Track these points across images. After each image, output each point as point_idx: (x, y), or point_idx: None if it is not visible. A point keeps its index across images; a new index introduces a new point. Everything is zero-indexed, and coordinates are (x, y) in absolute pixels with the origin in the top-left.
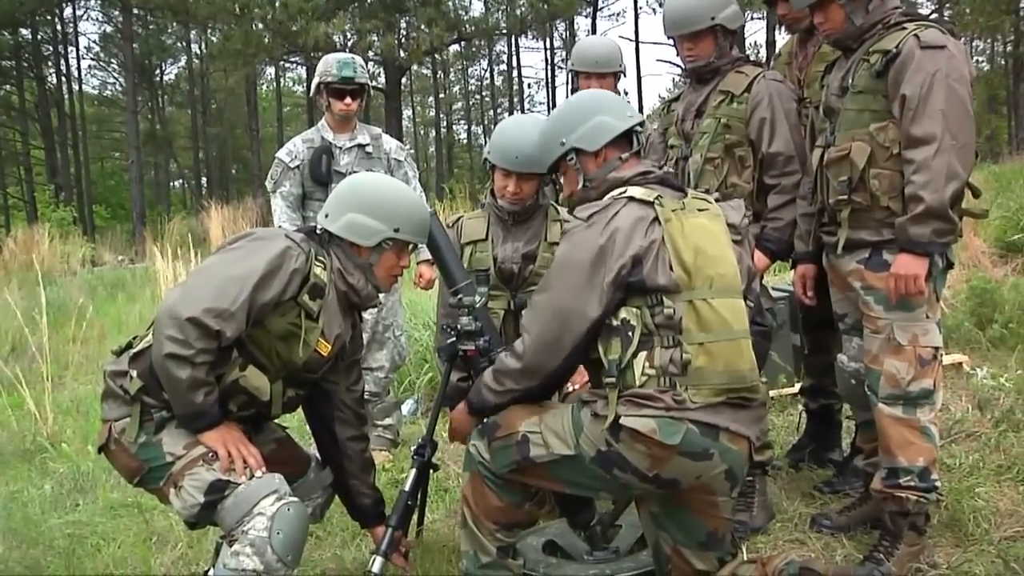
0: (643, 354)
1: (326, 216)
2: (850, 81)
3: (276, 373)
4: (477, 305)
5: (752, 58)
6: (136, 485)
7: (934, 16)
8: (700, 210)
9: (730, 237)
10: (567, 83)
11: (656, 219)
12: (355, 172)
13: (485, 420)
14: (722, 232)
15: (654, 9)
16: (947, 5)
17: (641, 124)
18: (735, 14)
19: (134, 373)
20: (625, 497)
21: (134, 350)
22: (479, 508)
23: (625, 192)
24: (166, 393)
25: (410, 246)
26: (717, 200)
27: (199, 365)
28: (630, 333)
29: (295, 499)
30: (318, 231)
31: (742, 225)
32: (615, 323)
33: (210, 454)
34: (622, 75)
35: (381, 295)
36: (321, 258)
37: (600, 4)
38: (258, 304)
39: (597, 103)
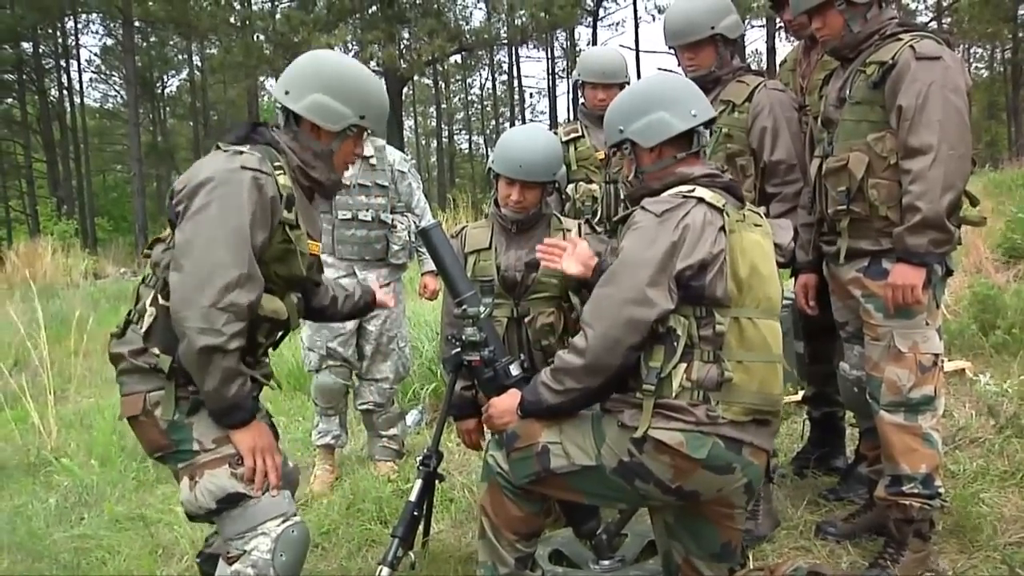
0: (682, 366)
1: (286, 93)
2: (848, 92)
3: (283, 290)
4: (482, 316)
5: (753, 66)
6: (155, 460)
7: (930, 26)
8: (756, 225)
9: (776, 257)
10: (568, 92)
11: (723, 228)
12: (360, 184)
13: (505, 432)
14: (771, 252)
15: (653, 16)
16: (946, 12)
17: (708, 123)
18: (735, 23)
19: (156, 350)
20: (637, 507)
21: (142, 328)
22: (498, 519)
23: (694, 191)
24: (197, 387)
25: (365, 134)
26: (766, 216)
27: (231, 352)
28: (675, 343)
29: (299, 519)
30: (277, 106)
31: (788, 248)
32: (661, 330)
33: (237, 457)
34: (627, 85)
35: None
36: (278, 163)
37: (600, 14)
38: (258, 246)
39: (661, 97)
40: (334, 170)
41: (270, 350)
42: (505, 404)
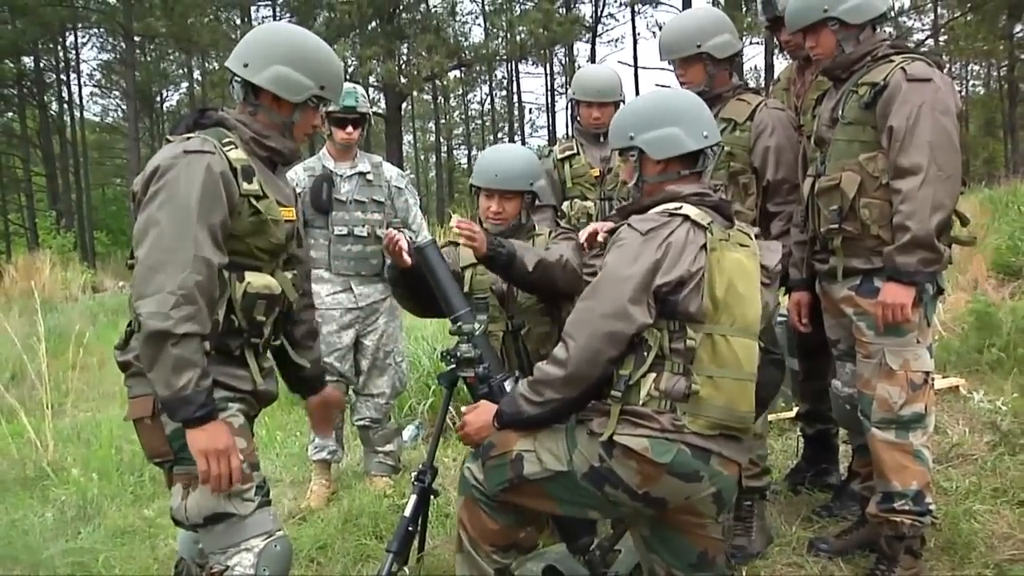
0: (651, 376)
1: (245, 66)
2: (840, 112)
3: (269, 265)
4: (476, 333)
5: (751, 83)
6: (154, 464)
7: (926, 45)
8: (742, 245)
9: (761, 278)
10: (567, 108)
11: (704, 246)
12: (356, 200)
13: (482, 444)
14: (755, 272)
15: (654, 32)
16: (942, 30)
17: (715, 146)
18: (725, 43)
19: None
20: (617, 517)
21: None
22: (475, 531)
23: (681, 209)
24: (149, 376)
25: (322, 107)
26: (757, 237)
27: (182, 339)
28: (645, 353)
29: (282, 534)
30: (237, 81)
31: (775, 269)
32: (635, 340)
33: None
34: (622, 103)
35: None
36: (227, 139)
37: (599, 30)
38: (218, 223)
39: (676, 113)
40: (293, 140)
41: (278, 344)
42: (481, 419)
